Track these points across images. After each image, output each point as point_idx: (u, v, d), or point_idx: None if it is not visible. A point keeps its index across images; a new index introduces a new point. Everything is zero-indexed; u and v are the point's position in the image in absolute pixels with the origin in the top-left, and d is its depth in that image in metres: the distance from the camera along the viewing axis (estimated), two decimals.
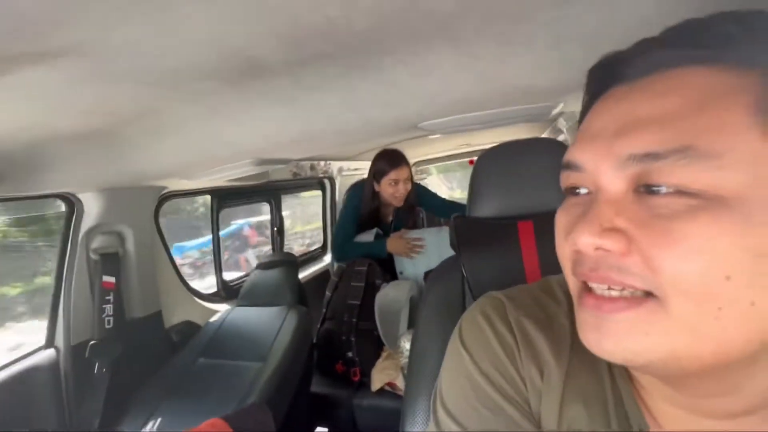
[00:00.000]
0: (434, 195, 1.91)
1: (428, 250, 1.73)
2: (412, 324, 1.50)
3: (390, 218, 1.85)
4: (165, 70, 0.61)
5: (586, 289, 0.27)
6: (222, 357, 1.30)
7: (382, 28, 0.55)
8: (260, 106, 0.83)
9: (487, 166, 0.78)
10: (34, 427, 1.02)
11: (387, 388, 1.37)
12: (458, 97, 0.84)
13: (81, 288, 1.12)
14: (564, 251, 0.29)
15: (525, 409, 0.35)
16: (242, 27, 0.51)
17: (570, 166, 0.29)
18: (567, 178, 0.30)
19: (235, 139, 1.00)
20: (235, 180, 1.61)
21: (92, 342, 1.11)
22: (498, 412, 0.34)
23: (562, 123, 1.60)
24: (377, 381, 1.37)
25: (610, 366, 0.34)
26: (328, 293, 1.70)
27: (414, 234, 1.76)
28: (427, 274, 1.66)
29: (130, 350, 1.19)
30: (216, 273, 1.82)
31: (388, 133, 1.11)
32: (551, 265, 0.64)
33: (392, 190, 1.67)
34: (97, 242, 1.15)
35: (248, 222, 2.64)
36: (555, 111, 0.94)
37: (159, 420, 1.07)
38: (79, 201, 1.10)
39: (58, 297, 1.10)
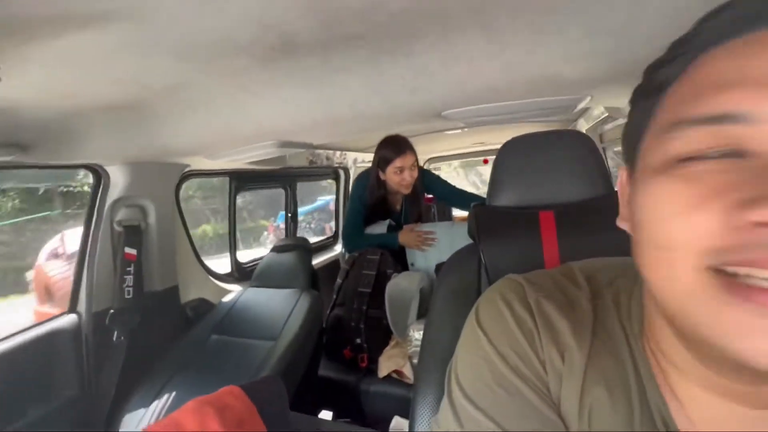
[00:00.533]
0: (446, 183, 1.86)
1: (440, 243, 1.73)
2: (421, 314, 1.51)
3: (399, 207, 1.83)
4: (201, 43, 0.63)
5: (727, 281, 0.22)
6: (234, 335, 1.33)
7: (417, 9, 0.56)
8: (287, 85, 0.84)
9: (510, 156, 0.78)
10: (57, 388, 1.06)
11: (394, 375, 1.39)
12: (484, 85, 0.84)
13: (104, 258, 1.16)
14: (687, 232, 0.23)
15: (543, 392, 0.34)
16: (280, 2, 0.52)
17: (727, 118, 0.23)
18: (707, 136, 0.24)
19: (260, 118, 1.01)
20: (254, 164, 1.64)
21: (112, 310, 1.15)
22: (514, 393, 0.34)
23: (582, 124, 1.58)
24: (384, 368, 1.39)
25: (631, 350, 0.34)
26: (339, 280, 1.72)
27: (426, 227, 1.76)
28: (438, 266, 1.66)
29: (147, 321, 1.22)
30: (231, 254, 1.86)
31: (410, 120, 1.11)
32: (571, 255, 0.64)
33: (398, 178, 1.62)
34: (121, 214, 1.18)
35: (332, 198, 2.88)
36: (581, 105, 0.93)
37: (173, 393, 1.10)
38: (106, 173, 1.14)
39: (83, 265, 1.14)
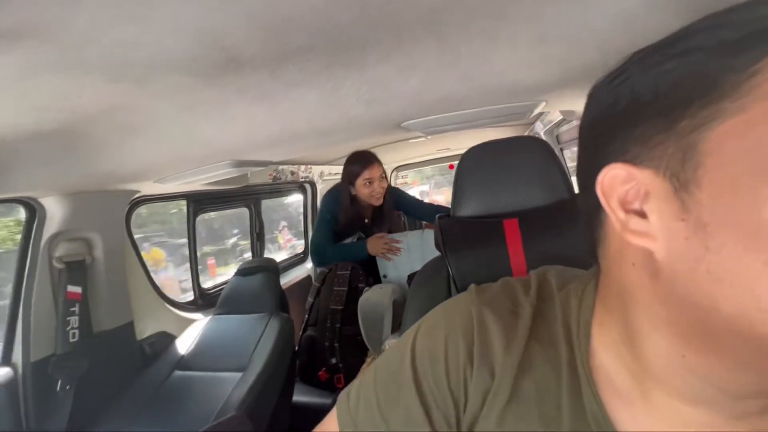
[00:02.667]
0: (410, 197, 1.93)
1: (411, 252, 1.72)
2: (396, 328, 1.47)
3: (367, 220, 1.84)
4: (133, 61, 0.57)
5: None
6: (199, 368, 1.24)
7: (367, 20, 0.54)
8: (237, 103, 0.79)
9: (471, 165, 0.77)
10: None
11: None
12: (442, 95, 0.83)
13: (43, 299, 1.04)
14: None
15: (441, 413, 0.35)
16: (219, 15, 0.48)
17: None
18: None
19: (211, 138, 0.96)
20: (213, 184, 1.56)
21: (55, 357, 1.03)
22: (407, 405, 0.36)
23: (539, 126, 1.63)
24: None
25: (572, 352, 0.33)
26: (310, 299, 1.66)
27: (395, 236, 1.75)
28: (410, 276, 1.64)
29: (99, 365, 1.11)
30: (192, 281, 1.75)
31: (371, 133, 1.09)
32: (538, 260, 0.63)
33: (368, 190, 1.66)
34: (61, 250, 1.07)
35: None
36: (537, 110, 0.95)
37: None
38: (41, 206, 1.03)
39: (17, 309, 1.02)
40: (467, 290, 0.42)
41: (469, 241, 0.70)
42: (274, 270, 1.55)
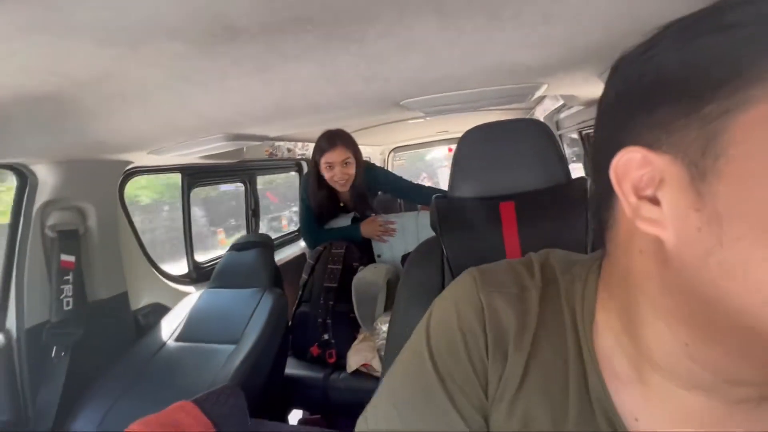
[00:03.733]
0: (398, 178, 1.81)
1: (406, 233, 1.73)
2: (388, 307, 1.50)
3: (343, 204, 1.77)
4: (124, 27, 0.55)
5: None
6: (193, 340, 1.26)
7: None
8: (233, 74, 0.77)
9: (469, 146, 0.76)
10: None
11: (362, 369, 1.38)
12: (442, 74, 0.82)
13: (35, 267, 1.04)
14: None
15: (469, 401, 0.34)
16: None
17: None
18: None
19: (205, 110, 0.94)
20: (209, 158, 1.54)
21: (49, 324, 1.04)
22: (433, 403, 0.34)
23: (539, 111, 1.61)
24: (353, 362, 1.37)
25: (578, 337, 0.33)
26: (304, 276, 1.67)
27: (390, 218, 1.74)
28: (404, 257, 1.65)
29: (93, 334, 1.12)
30: (187, 254, 1.75)
31: (368, 111, 1.08)
32: (532, 245, 0.64)
33: (329, 174, 1.54)
34: (53, 219, 1.07)
35: None
36: (538, 93, 0.94)
37: (124, 411, 1.02)
38: (32, 173, 1.02)
39: (9, 276, 1.02)
40: (467, 272, 0.41)
41: (464, 222, 0.70)
42: (268, 246, 1.55)
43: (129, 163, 1.25)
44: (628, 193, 0.26)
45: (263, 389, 1.19)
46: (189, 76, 0.78)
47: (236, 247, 1.53)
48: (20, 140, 0.90)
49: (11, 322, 1.02)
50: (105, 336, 1.19)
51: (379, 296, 1.47)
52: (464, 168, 0.76)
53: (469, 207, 0.72)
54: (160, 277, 1.53)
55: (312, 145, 2.45)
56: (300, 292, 1.64)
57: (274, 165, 2.33)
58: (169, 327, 1.31)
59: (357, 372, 1.38)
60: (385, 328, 1.41)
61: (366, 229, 1.69)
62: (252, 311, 1.29)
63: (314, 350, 1.49)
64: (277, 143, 2.09)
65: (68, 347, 1.06)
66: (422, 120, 2.43)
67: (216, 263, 1.59)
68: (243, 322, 1.26)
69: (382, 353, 1.40)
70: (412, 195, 1.79)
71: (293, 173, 2.61)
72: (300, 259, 2.30)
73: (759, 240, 0.21)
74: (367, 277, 1.49)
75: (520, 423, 0.32)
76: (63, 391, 1.03)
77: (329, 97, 0.86)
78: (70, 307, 1.07)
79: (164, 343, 1.26)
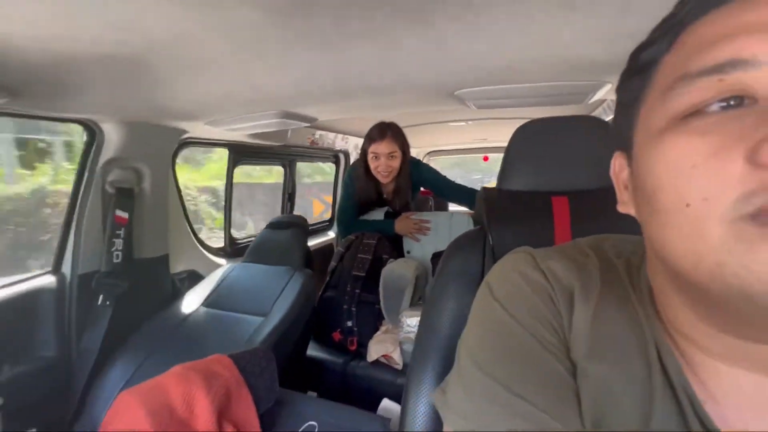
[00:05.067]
0: (442, 177, 1.82)
1: (438, 233, 1.71)
2: (414, 302, 1.49)
3: (386, 196, 1.80)
4: None
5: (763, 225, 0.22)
6: (223, 308, 1.30)
7: None
8: (297, 48, 0.80)
9: (524, 140, 0.75)
10: (35, 348, 1.02)
11: (382, 360, 1.37)
12: (503, 64, 0.80)
13: (93, 218, 1.12)
14: (713, 182, 0.22)
15: (563, 355, 0.33)
16: None
17: (732, 65, 0.23)
18: (711, 86, 0.24)
19: (264, 83, 0.97)
20: (254, 137, 1.59)
21: (99, 274, 1.11)
22: (532, 360, 0.33)
23: (600, 112, 1.54)
24: (374, 352, 1.37)
25: (647, 316, 0.33)
26: (333, 263, 1.69)
27: (424, 216, 1.74)
28: (435, 255, 1.64)
29: (135, 289, 1.19)
30: (225, 229, 1.82)
31: (420, 99, 1.07)
32: None
33: (374, 165, 1.61)
34: (114, 175, 1.14)
35: None
36: (599, 93, 0.90)
37: (158, 361, 1.07)
38: (101, 130, 1.09)
39: (69, 224, 1.10)
40: (516, 250, 0.41)
41: (514, 213, 0.68)
42: (303, 227, 1.59)
43: (185, 132, 1.31)
44: (620, 189, 0.33)
45: (285, 365, 1.21)
46: (254, 47, 0.81)
47: (272, 226, 1.58)
48: (94, 97, 0.97)
49: (67, 267, 1.10)
50: (145, 293, 1.25)
51: (406, 290, 1.47)
52: (516, 161, 0.75)
53: (520, 199, 0.71)
54: (199, 246, 1.60)
55: (352, 139, 2.51)
56: (328, 278, 1.66)
57: (314, 154, 2.38)
58: (203, 293, 1.36)
59: (377, 362, 1.38)
60: (409, 321, 1.40)
61: (400, 225, 1.69)
62: (282, 288, 1.32)
63: (336, 335, 1.50)
64: (319, 132, 2.13)
65: (113, 297, 1.12)
66: (463, 123, 2.41)
67: (251, 240, 1.64)
68: (272, 297, 1.29)
69: (405, 346, 1.39)
70: (454, 195, 1.79)
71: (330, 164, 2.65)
72: (327, 248, 2.34)
73: (657, 211, 0.26)
74: (397, 270, 1.49)
75: (595, 388, 0.31)
76: (104, 338, 1.10)
77: (385, 80, 0.87)
78: (119, 260, 1.13)
79: (196, 308, 1.31)
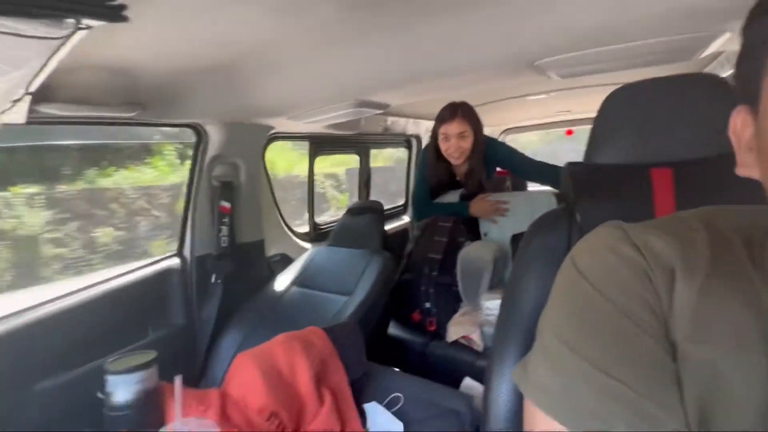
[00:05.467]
0: (520, 155, 1.72)
1: (517, 214, 1.64)
2: (493, 285, 1.46)
3: (459, 178, 1.75)
4: None
5: None
6: (312, 288, 1.43)
7: None
8: (370, 37, 0.82)
9: (617, 107, 0.68)
10: (169, 317, 1.24)
11: (462, 341, 1.38)
12: (589, 26, 0.73)
13: (204, 209, 1.30)
14: None
15: (658, 332, 0.30)
16: None
17: None
18: None
19: (341, 75, 1.02)
20: (331, 128, 1.68)
21: (211, 256, 1.30)
22: (622, 335, 0.30)
23: (715, 67, 1.29)
24: (453, 333, 1.38)
25: (764, 298, 0.28)
26: (409, 246, 1.73)
27: (500, 197, 1.67)
28: (515, 237, 1.58)
29: (239, 269, 1.36)
30: (309, 216, 1.97)
31: (496, 73, 1.03)
32: None
33: (444, 146, 1.57)
34: (217, 170, 1.31)
35: None
36: (713, 46, 0.77)
37: (260, 331, 1.22)
38: (206, 132, 1.25)
39: (187, 214, 1.30)
40: (606, 224, 0.37)
41: (605, 189, 0.63)
42: (379, 212, 1.65)
43: (272, 128, 1.44)
44: (742, 150, 0.31)
45: (368, 341, 1.29)
46: (328, 42, 0.85)
47: (351, 211, 1.67)
48: (200, 103, 1.11)
49: (187, 250, 1.30)
50: (247, 274, 1.43)
51: (485, 272, 1.45)
52: (607, 131, 0.69)
53: (613, 173, 0.65)
54: (288, 231, 1.76)
55: (423, 122, 2.49)
56: (404, 261, 1.70)
57: (386, 140, 2.42)
58: (293, 274, 1.51)
59: (456, 343, 1.40)
60: (489, 304, 1.38)
61: (476, 207, 1.65)
62: (363, 269, 1.40)
63: (415, 316, 1.54)
64: (391, 118, 2.16)
65: (223, 276, 1.31)
66: (543, 96, 2.23)
67: (332, 226, 1.76)
68: (355, 278, 1.37)
69: (485, 329, 1.38)
70: (535, 173, 1.68)
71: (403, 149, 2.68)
72: (401, 233, 2.38)
73: None
74: (474, 253, 1.47)
75: (700, 374, 0.29)
76: (218, 310, 1.29)
77: (459, 58, 0.85)
78: (225, 245, 1.31)
79: (288, 288, 1.45)
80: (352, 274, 1.39)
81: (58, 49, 0.47)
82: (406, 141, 2.62)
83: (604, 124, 0.68)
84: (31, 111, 0.73)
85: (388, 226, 2.31)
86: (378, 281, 1.34)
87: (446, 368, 1.40)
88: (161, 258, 1.28)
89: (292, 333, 0.75)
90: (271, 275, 1.54)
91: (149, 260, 1.26)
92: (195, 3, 0.62)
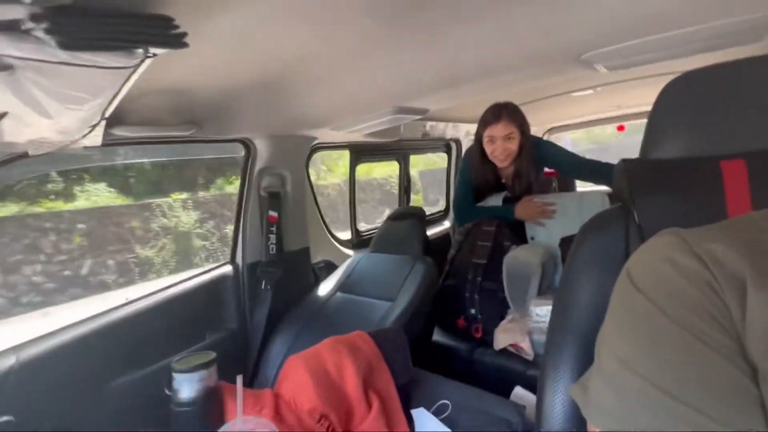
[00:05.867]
0: (566, 152, 1.64)
1: (566, 216, 1.56)
2: (542, 291, 1.40)
3: (505, 180, 1.69)
4: (330, 6, 0.65)
5: None
6: (355, 293, 1.45)
7: None
8: (409, 44, 0.83)
9: (677, 97, 0.63)
10: (223, 321, 1.32)
11: (510, 348, 1.33)
12: (640, 14, 0.69)
13: (254, 218, 1.37)
14: None
15: (726, 347, 0.27)
16: None
17: None
18: None
19: (380, 83, 1.04)
20: (370, 136, 1.71)
21: (261, 263, 1.36)
22: (686, 353, 0.28)
23: None
24: (502, 340, 1.34)
25: None
26: (452, 251, 1.70)
27: (547, 198, 1.60)
28: (564, 240, 1.50)
29: (286, 276, 1.41)
30: (351, 223, 2.01)
31: (538, 72, 1.00)
32: None
33: (489, 149, 1.52)
34: (265, 182, 1.38)
35: None
36: None
37: (307, 336, 1.26)
38: (254, 145, 1.33)
39: (239, 224, 1.37)
40: (663, 232, 0.35)
41: (668, 186, 0.59)
42: (420, 217, 1.64)
43: (315, 138, 1.49)
44: None
45: (413, 347, 1.28)
46: (368, 52, 0.87)
47: (392, 217, 1.67)
48: (247, 119, 1.18)
49: (239, 258, 1.38)
50: (293, 280, 1.48)
51: (533, 278, 1.39)
52: (667, 124, 0.64)
53: (675, 169, 0.60)
54: (331, 239, 1.80)
55: (462, 126, 2.46)
56: (447, 267, 1.68)
57: (426, 145, 2.42)
58: (337, 280, 1.54)
59: (504, 351, 1.35)
60: (539, 310, 1.32)
61: (522, 210, 1.59)
62: (406, 275, 1.40)
63: (460, 322, 1.51)
64: (429, 123, 2.16)
65: (272, 283, 1.37)
66: (590, 92, 2.12)
67: (373, 233, 1.77)
68: (398, 284, 1.38)
69: (535, 336, 1.33)
70: (587, 172, 1.59)
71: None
72: (442, 238, 2.36)
73: None
74: (521, 257, 1.42)
75: None
76: (268, 315, 1.35)
77: (502, 57, 0.84)
78: (274, 252, 1.37)
79: (333, 293, 1.49)
80: (395, 280, 1.39)
81: (129, 77, 0.53)
82: (445, 145, 2.60)
83: (663, 116, 0.64)
84: (105, 134, 0.82)
85: (429, 232, 2.30)
86: (421, 287, 1.33)
87: (494, 376, 1.35)
88: (216, 265, 1.37)
89: (338, 337, 0.76)
90: (316, 281, 1.59)
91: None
92: (244, 25, 0.66)
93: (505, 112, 1.48)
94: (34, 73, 0.48)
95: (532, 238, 1.65)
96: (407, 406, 0.77)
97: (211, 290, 1.30)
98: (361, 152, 1.93)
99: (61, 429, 0.87)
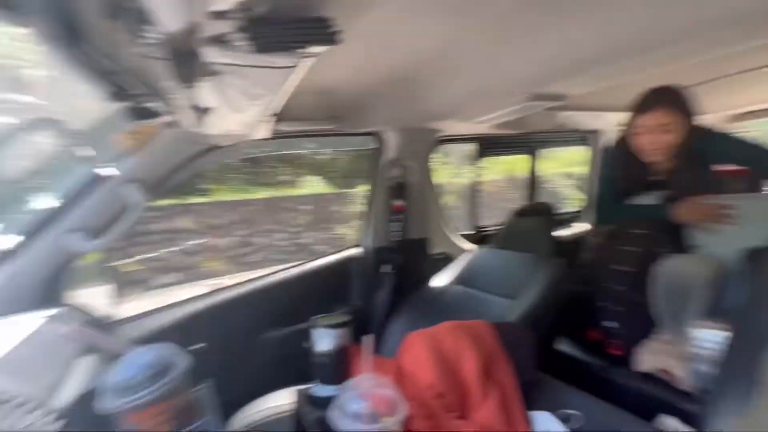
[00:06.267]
0: (749, 145, 1.29)
1: (750, 222, 1.23)
2: (707, 312, 1.13)
3: (657, 177, 1.39)
4: None
5: None
6: (474, 287, 1.42)
7: None
8: (546, 25, 0.77)
9: None
10: (349, 298, 1.46)
11: (659, 374, 1.13)
12: None
13: (381, 206, 1.48)
14: None
15: None
16: None
17: None
18: None
19: (511, 69, 0.99)
20: (497, 127, 1.64)
21: (386, 248, 1.46)
22: None
23: None
24: (648, 362, 1.14)
25: None
26: (586, 255, 1.52)
27: (725, 199, 1.27)
28: (753, 253, 1.17)
29: (407, 262, 1.48)
30: (471, 218, 1.98)
31: (724, 38, 0.79)
32: None
33: (640, 141, 1.28)
34: (393, 172, 1.46)
35: None
36: None
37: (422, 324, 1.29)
38: (383, 138, 1.42)
39: (369, 210, 1.50)
40: None
41: None
42: (548, 214, 1.52)
43: (440, 131, 1.51)
44: None
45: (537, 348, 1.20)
46: (502, 36, 0.84)
47: (519, 213, 1.59)
48: (381, 113, 1.27)
49: (367, 242, 1.50)
50: (413, 267, 1.54)
51: (696, 295, 1.14)
52: None
53: None
54: (450, 233, 1.80)
55: (605, 115, 2.14)
56: (581, 271, 1.50)
57: (559, 137, 2.20)
58: (456, 273, 1.53)
59: (648, 374, 1.15)
60: (702, 335, 1.08)
61: (687, 212, 1.30)
62: (530, 274, 1.31)
63: (593, 334, 1.34)
64: (564, 113, 1.95)
65: (394, 268, 1.45)
66: None
67: (491, 229, 1.71)
68: (520, 282, 1.30)
69: (693, 364, 1.08)
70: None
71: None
72: (576, 239, 2.11)
73: None
74: (684, 269, 1.18)
75: None
76: (389, 296, 1.44)
77: (670, 23, 0.71)
78: (397, 239, 1.45)
79: (451, 285, 1.49)
80: (518, 278, 1.31)
81: (294, 73, 0.62)
82: (581, 138, 2.32)
83: None
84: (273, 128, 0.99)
85: (564, 232, 2.10)
86: (547, 288, 1.23)
87: (631, 401, 1.15)
88: (346, 247, 1.52)
89: (459, 322, 0.77)
90: (434, 272, 1.61)
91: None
92: (387, 21, 0.71)
93: (658, 100, 1.23)
94: (230, 76, 0.62)
95: (701, 247, 1.34)
96: (528, 407, 0.73)
97: (339, 269, 1.45)
98: (487, 145, 1.87)
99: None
